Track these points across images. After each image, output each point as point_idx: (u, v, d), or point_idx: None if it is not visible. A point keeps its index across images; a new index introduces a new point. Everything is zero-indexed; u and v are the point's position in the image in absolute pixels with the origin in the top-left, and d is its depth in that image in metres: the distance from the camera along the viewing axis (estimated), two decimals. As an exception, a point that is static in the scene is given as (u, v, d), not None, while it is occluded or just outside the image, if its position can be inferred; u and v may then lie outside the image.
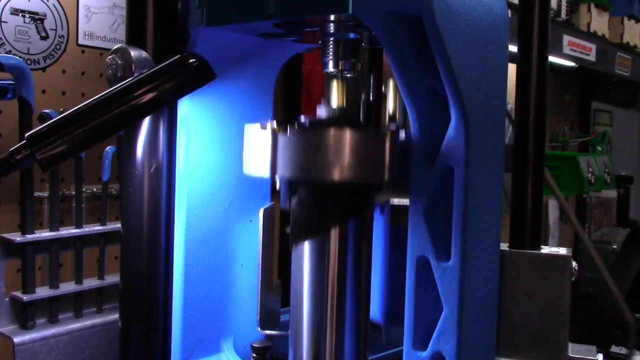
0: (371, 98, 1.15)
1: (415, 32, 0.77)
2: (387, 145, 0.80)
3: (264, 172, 0.84)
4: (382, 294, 0.99)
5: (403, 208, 0.91)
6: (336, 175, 0.79)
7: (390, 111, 0.90)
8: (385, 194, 0.91)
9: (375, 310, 1.00)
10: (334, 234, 0.85)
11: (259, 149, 0.85)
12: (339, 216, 0.85)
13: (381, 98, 1.14)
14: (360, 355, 0.89)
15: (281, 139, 0.82)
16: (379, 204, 0.97)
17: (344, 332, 0.87)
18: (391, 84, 1.01)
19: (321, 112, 0.90)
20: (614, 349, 2.41)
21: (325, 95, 0.93)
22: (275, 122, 0.85)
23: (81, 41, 1.63)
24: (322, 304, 0.87)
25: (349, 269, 0.86)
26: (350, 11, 0.74)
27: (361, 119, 1.14)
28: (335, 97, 0.91)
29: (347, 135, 0.79)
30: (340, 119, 0.87)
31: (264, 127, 0.84)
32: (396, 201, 0.94)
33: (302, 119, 0.88)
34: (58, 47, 1.58)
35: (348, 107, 0.90)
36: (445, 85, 0.74)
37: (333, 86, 0.92)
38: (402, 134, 0.81)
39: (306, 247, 0.87)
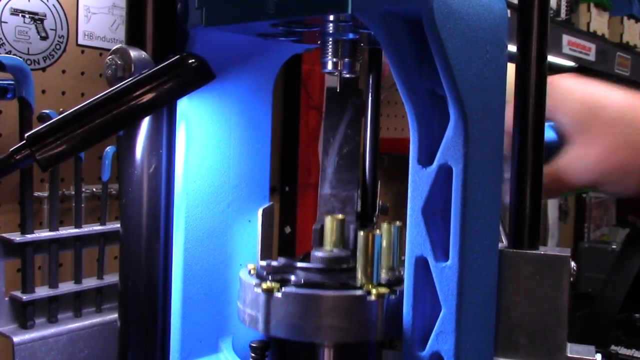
0: (370, 97, 1.15)
1: (415, 32, 0.77)
2: (379, 307, 0.83)
3: (260, 328, 0.87)
4: None
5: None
6: (329, 337, 0.83)
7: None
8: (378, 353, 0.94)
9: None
10: None
11: (253, 305, 0.88)
12: None
13: (380, 98, 1.15)
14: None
15: (274, 299, 0.85)
16: None
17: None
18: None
19: (315, 260, 0.92)
20: (614, 349, 2.41)
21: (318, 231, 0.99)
22: (268, 279, 0.88)
23: (81, 41, 1.63)
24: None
25: None
26: (350, 11, 0.74)
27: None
28: (329, 238, 0.95)
29: (341, 299, 0.83)
30: (334, 272, 0.90)
31: (257, 286, 0.87)
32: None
33: (295, 276, 0.89)
34: (58, 47, 1.58)
35: (341, 256, 0.92)
36: (444, 85, 0.74)
37: (328, 225, 0.95)
38: (393, 297, 0.85)
39: None
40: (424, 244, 0.78)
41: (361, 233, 0.86)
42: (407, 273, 0.80)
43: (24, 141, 0.80)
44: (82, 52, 1.59)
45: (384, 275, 0.89)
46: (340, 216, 0.99)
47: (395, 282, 0.88)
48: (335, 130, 1.10)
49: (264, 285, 0.86)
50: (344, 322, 0.83)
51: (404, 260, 0.82)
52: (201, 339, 1.05)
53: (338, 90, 1.06)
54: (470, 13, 0.77)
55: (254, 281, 0.89)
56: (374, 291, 0.83)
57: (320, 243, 1.00)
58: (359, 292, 0.84)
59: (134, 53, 0.88)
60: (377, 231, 0.87)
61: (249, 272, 0.96)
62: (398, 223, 0.92)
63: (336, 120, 1.09)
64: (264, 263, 0.94)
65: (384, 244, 0.91)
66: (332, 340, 0.84)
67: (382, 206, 1.18)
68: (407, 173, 0.80)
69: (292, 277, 0.89)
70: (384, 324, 0.83)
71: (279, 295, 0.84)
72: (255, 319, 0.87)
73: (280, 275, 0.90)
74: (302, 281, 0.87)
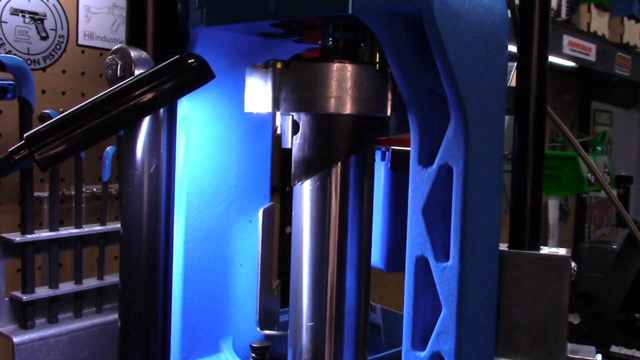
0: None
1: (415, 32, 0.77)
2: (390, 80, 0.82)
3: (266, 107, 0.85)
4: (383, 239, 0.99)
5: (404, 153, 0.92)
6: (339, 108, 0.82)
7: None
8: (387, 129, 0.92)
9: (376, 256, 1.01)
10: (337, 170, 0.86)
11: (261, 86, 0.86)
12: (343, 151, 0.86)
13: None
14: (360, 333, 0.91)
15: (284, 74, 0.83)
16: (380, 149, 0.97)
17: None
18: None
19: (324, 46, 0.91)
20: (614, 349, 2.41)
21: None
22: (278, 61, 0.86)
23: (81, 41, 1.63)
24: (323, 248, 0.88)
25: (351, 207, 0.88)
26: (350, 11, 0.75)
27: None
28: None
29: (350, 69, 0.81)
30: (343, 53, 0.88)
31: (266, 66, 0.85)
32: (397, 147, 0.94)
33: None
34: (58, 47, 1.58)
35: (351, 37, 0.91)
36: (444, 85, 0.74)
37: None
38: None
39: (307, 185, 0.87)
40: (424, 244, 0.78)
41: None
42: (408, 273, 0.80)
43: (23, 141, 0.80)
44: (83, 52, 1.59)
45: None
46: None
47: None
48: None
49: (272, 63, 0.85)
50: (355, 93, 0.82)
51: None
52: (201, 339, 1.05)
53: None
54: (470, 14, 0.76)
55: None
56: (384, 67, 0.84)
57: None
58: (369, 65, 0.83)
59: (134, 53, 0.88)
60: None
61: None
62: None
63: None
64: None
65: None
66: (342, 111, 0.82)
67: None
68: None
69: None
70: (394, 98, 0.83)
71: (287, 70, 0.84)
72: (264, 99, 0.86)
73: None
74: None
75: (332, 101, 0.81)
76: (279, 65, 0.83)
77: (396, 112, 0.84)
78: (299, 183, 0.88)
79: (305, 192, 0.88)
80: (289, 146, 0.89)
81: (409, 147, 0.80)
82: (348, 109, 0.82)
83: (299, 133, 0.88)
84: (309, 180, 0.87)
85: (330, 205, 0.87)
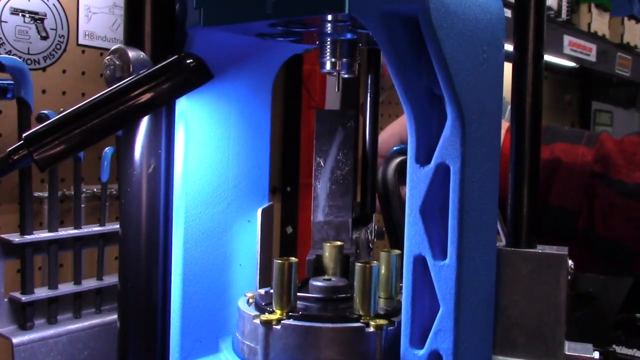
0: (369, 97, 1.15)
1: (412, 32, 0.77)
2: (378, 339, 0.83)
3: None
4: None
5: None
6: None
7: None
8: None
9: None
10: None
11: (252, 337, 0.88)
12: None
13: (378, 98, 1.15)
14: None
15: (273, 331, 0.84)
16: None
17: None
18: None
19: (313, 290, 0.92)
20: (614, 348, 2.41)
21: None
22: (267, 312, 0.88)
23: (81, 41, 1.63)
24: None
25: None
26: (347, 11, 0.75)
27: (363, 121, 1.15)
28: (329, 265, 0.96)
29: (340, 332, 0.82)
30: (333, 302, 0.90)
31: (256, 317, 0.86)
32: None
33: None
34: (58, 47, 1.58)
35: (339, 285, 0.92)
36: (441, 84, 0.75)
37: (326, 253, 0.96)
38: (391, 328, 0.84)
39: None
40: (422, 242, 0.78)
41: (358, 265, 0.85)
42: (406, 272, 0.80)
43: (22, 141, 0.81)
44: (83, 52, 1.60)
45: (382, 305, 0.90)
46: (337, 243, 1.00)
47: (393, 313, 0.87)
48: (326, 153, 1.08)
49: (263, 317, 0.85)
50: (343, 355, 0.82)
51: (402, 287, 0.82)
52: (201, 339, 1.05)
53: (337, 90, 1.05)
54: (467, 13, 0.77)
55: (253, 312, 0.89)
56: (372, 323, 0.83)
57: (315, 273, 1.01)
58: (357, 324, 0.84)
59: (132, 53, 0.88)
60: (374, 262, 0.87)
61: (247, 301, 0.95)
62: (397, 251, 0.92)
63: (327, 142, 1.08)
64: (262, 292, 0.95)
65: (382, 271, 0.91)
66: None
67: (378, 231, 1.18)
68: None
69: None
70: (382, 356, 0.83)
71: (278, 327, 0.84)
72: (255, 350, 0.87)
73: None
74: (300, 313, 0.86)
75: None
76: (268, 322, 0.85)
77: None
78: None
79: None
80: None
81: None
82: None
83: None
84: None
85: None
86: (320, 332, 0.83)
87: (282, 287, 0.87)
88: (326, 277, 0.97)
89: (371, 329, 0.83)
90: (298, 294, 0.91)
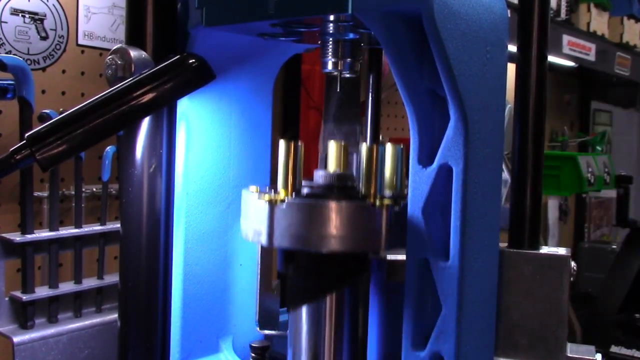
0: (370, 97, 1.15)
1: (415, 32, 0.77)
2: (384, 216, 0.81)
3: (263, 240, 0.84)
4: (378, 353, 0.98)
5: (399, 263, 0.91)
6: (333, 246, 0.80)
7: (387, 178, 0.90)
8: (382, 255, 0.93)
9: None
10: (331, 301, 0.86)
11: (257, 218, 0.85)
12: (336, 284, 0.86)
13: (380, 98, 1.15)
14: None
15: (278, 210, 0.82)
16: (375, 259, 0.97)
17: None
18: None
19: (318, 178, 0.89)
20: (614, 349, 2.41)
21: (322, 149, 0.93)
22: (272, 190, 0.86)
23: (81, 41, 1.63)
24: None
25: (345, 336, 0.87)
26: (350, 11, 0.75)
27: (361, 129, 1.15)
28: (333, 161, 0.92)
29: (345, 208, 0.80)
30: (338, 188, 0.87)
31: (261, 197, 0.84)
32: (392, 257, 0.93)
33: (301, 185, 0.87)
34: (58, 47, 1.58)
35: (345, 173, 0.90)
36: (444, 84, 0.74)
37: (331, 149, 0.93)
38: (397, 208, 0.83)
39: (303, 312, 0.87)
40: (424, 244, 0.78)
41: (364, 145, 0.83)
42: (408, 273, 0.80)
43: (24, 141, 0.81)
44: (82, 52, 1.59)
45: (387, 192, 0.88)
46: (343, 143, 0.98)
47: (398, 197, 0.86)
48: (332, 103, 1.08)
49: (268, 197, 0.83)
50: (349, 231, 0.81)
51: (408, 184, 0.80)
52: (201, 339, 1.05)
53: (337, 89, 1.05)
54: (470, 13, 0.77)
55: (258, 195, 0.86)
56: (378, 202, 0.82)
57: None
58: (363, 203, 0.82)
59: (134, 53, 0.88)
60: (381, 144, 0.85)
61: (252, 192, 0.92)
62: (401, 145, 0.90)
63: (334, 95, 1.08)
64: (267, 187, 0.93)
65: (388, 161, 0.89)
66: (337, 249, 0.81)
67: None
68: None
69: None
70: (389, 234, 0.82)
71: (282, 206, 0.82)
72: (259, 232, 0.85)
73: None
74: (306, 194, 0.84)
75: (328, 240, 0.80)
76: (273, 201, 0.83)
77: (390, 243, 0.84)
78: (294, 310, 0.88)
79: (300, 318, 0.88)
80: (285, 272, 0.91)
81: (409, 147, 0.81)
82: (344, 247, 0.81)
83: (293, 264, 0.88)
84: (304, 307, 0.87)
85: (325, 335, 0.87)
86: (326, 209, 0.80)
87: (288, 168, 0.84)
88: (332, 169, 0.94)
89: (377, 207, 0.82)
90: (303, 182, 0.88)
